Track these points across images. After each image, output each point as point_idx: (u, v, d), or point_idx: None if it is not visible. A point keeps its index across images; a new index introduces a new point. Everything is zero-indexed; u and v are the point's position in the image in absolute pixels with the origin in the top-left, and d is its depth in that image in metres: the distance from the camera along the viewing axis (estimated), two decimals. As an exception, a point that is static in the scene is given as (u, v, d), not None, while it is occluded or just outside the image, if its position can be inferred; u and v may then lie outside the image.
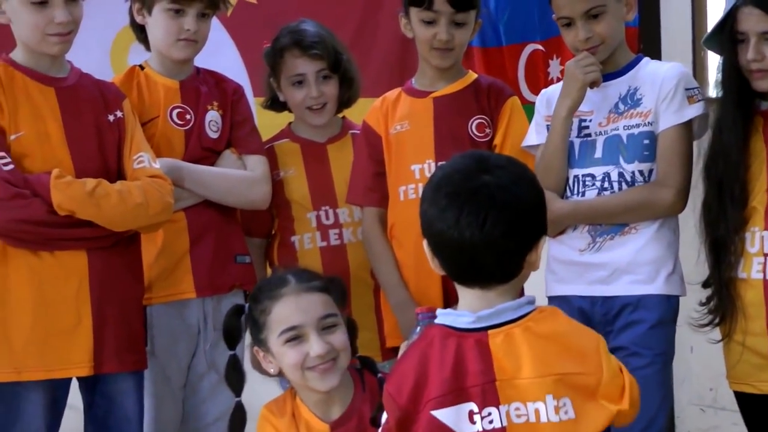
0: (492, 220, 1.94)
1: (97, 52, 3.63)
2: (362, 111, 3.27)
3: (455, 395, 1.95)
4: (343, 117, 3.32)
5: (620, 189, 2.79)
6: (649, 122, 2.79)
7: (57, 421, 2.78)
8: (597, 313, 2.80)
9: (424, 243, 2.04)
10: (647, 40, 4.14)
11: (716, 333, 2.72)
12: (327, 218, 3.17)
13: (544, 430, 1.94)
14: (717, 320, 2.68)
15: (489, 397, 1.94)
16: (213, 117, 3.06)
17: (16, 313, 2.68)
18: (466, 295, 2.03)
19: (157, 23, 3.01)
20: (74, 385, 2.81)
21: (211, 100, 3.07)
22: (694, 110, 2.78)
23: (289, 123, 3.30)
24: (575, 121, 2.85)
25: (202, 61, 3.14)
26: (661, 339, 2.77)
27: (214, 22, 3.16)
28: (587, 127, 2.85)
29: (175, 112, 3.02)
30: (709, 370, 3.91)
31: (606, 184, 2.80)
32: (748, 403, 2.71)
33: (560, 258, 2.85)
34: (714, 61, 4.09)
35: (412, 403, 1.96)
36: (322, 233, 3.16)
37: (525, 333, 1.97)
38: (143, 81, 3.05)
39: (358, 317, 2.85)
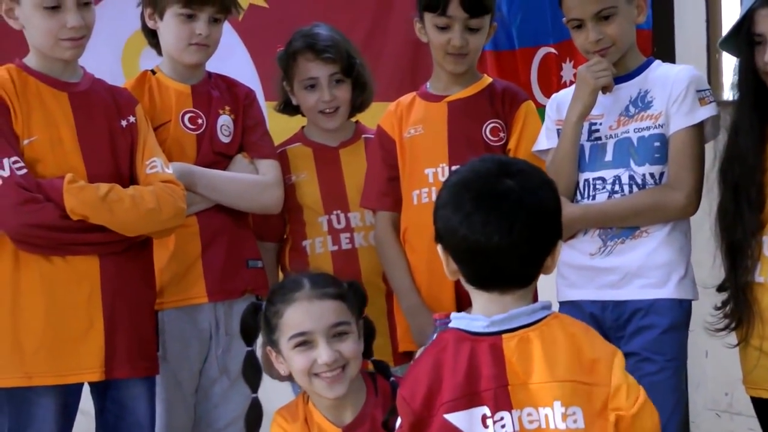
0: (519, 225, 1.95)
1: (109, 57, 3.62)
2: (374, 115, 3.27)
3: (468, 399, 1.95)
4: (356, 121, 3.31)
5: (631, 192, 2.78)
6: (659, 125, 2.78)
7: (69, 427, 2.78)
8: (608, 318, 2.78)
9: (439, 248, 2.04)
10: (661, 43, 4.14)
11: (732, 337, 2.69)
12: (338, 222, 3.16)
13: None
14: (733, 324, 2.66)
15: (501, 401, 1.94)
16: (225, 121, 3.05)
17: (28, 318, 2.68)
18: (480, 299, 2.03)
19: (169, 28, 3.00)
20: (86, 391, 2.80)
21: (223, 105, 3.06)
22: (705, 112, 2.76)
23: (302, 127, 3.30)
24: (585, 124, 2.84)
25: (213, 65, 3.13)
26: (673, 344, 2.75)
27: (226, 26, 3.15)
28: (597, 131, 2.84)
29: (186, 116, 3.02)
30: (725, 375, 3.89)
31: (617, 188, 2.79)
32: (764, 409, 2.69)
33: (571, 262, 2.83)
34: (729, 64, 4.09)
35: (426, 407, 1.96)
36: (334, 237, 3.15)
37: (539, 338, 1.97)
38: (155, 86, 3.05)
39: (371, 322, 2.84)
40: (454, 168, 2.23)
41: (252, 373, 2.56)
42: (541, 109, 3.19)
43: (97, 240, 2.70)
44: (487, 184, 1.99)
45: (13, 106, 2.71)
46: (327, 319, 2.41)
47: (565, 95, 2.94)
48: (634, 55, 2.87)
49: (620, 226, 2.77)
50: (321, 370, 2.40)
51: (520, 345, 1.97)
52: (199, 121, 3.02)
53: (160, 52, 3.10)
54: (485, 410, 1.94)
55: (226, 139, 3.05)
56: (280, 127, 3.33)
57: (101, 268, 2.71)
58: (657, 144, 2.78)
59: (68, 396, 2.73)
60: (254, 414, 2.53)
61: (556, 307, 2.64)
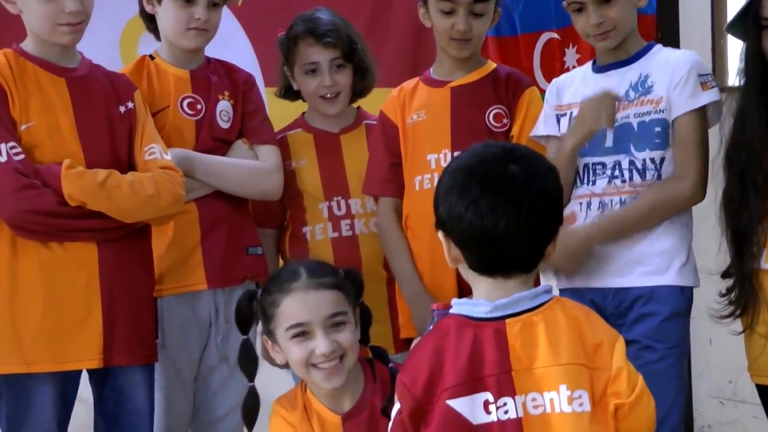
0: (526, 210, 1.94)
1: (107, 43, 3.62)
2: (376, 101, 3.24)
3: (471, 385, 1.94)
4: (358, 107, 3.29)
5: (631, 178, 2.76)
6: (660, 110, 2.76)
7: (67, 414, 2.77)
8: (609, 306, 2.77)
9: (440, 235, 2.03)
10: (665, 29, 4.13)
11: (737, 324, 2.68)
12: (339, 209, 3.15)
13: (559, 421, 1.92)
14: (738, 311, 2.65)
15: (504, 387, 1.93)
16: (224, 107, 3.03)
17: (26, 305, 2.67)
18: (482, 284, 2.02)
19: (167, 12, 2.98)
20: (85, 378, 2.79)
21: (222, 90, 3.04)
22: (708, 96, 2.74)
23: (303, 113, 3.28)
24: None
25: (212, 51, 3.11)
26: (674, 332, 2.73)
27: (225, 11, 3.14)
28: None
29: (185, 102, 3.00)
30: (729, 363, 3.87)
31: (617, 173, 2.77)
32: (770, 396, 2.67)
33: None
34: (733, 49, 4.08)
35: (427, 393, 1.95)
36: (334, 224, 3.14)
37: (542, 322, 1.97)
38: (153, 71, 3.02)
39: (371, 309, 2.82)
40: (457, 155, 2.22)
41: (248, 362, 2.54)
42: (544, 95, 3.17)
43: (95, 226, 2.68)
44: (493, 169, 1.98)
45: (11, 91, 2.69)
46: (324, 310, 2.40)
47: (565, 80, 2.93)
48: (634, 39, 2.85)
49: (640, 230, 2.73)
50: (318, 361, 2.38)
51: (523, 330, 1.97)
52: (198, 106, 3.00)
53: (158, 37, 3.08)
54: (488, 396, 1.94)
55: (225, 125, 3.03)
56: (279, 113, 3.30)
57: (99, 255, 2.70)
58: (658, 129, 2.76)
59: (67, 383, 2.73)
60: (251, 403, 2.51)
61: (556, 293, 2.63)
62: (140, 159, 2.79)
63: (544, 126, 2.92)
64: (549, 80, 3.96)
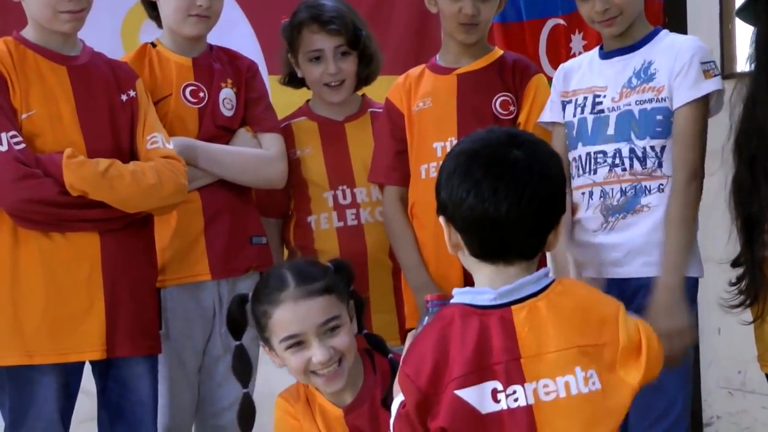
0: (529, 194, 1.94)
1: (108, 31, 3.61)
2: (380, 88, 3.22)
3: (478, 374, 1.92)
4: (363, 95, 3.27)
5: (631, 166, 2.72)
6: (662, 98, 2.72)
7: (70, 405, 2.76)
8: (611, 296, 2.72)
9: (441, 220, 2.02)
10: (673, 14, 4.10)
11: (747, 314, 2.65)
12: (344, 198, 3.13)
13: (574, 403, 1.92)
14: (749, 301, 2.61)
15: (513, 374, 1.92)
16: (227, 95, 3.01)
17: (28, 296, 2.65)
18: (484, 271, 2.01)
19: (169, -1, 2.96)
20: (88, 370, 2.78)
21: (225, 78, 3.02)
22: (710, 85, 2.70)
23: (307, 100, 3.26)
24: (589, 96, 2.79)
25: (215, 38, 3.09)
26: (679, 322, 2.70)
27: (228, -1, 3.12)
28: (600, 103, 2.78)
29: (188, 89, 2.97)
30: (737, 353, 3.87)
31: (617, 161, 2.73)
32: (780, 387, 2.64)
33: (574, 239, 2.79)
34: (742, 35, 4.04)
35: (432, 384, 1.93)
36: (339, 213, 3.12)
37: (548, 306, 1.96)
38: (155, 58, 3.00)
39: (376, 299, 2.82)
40: (462, 139, 2.21)
41: (242, 367, 2.52)
42: (551, 82, 3.14)
43: (97, 216, 2.66)
44: (497, 153, 1.97)
45: (11, 79, 2.67)
46: (316, 318, 2.37)
47: (572, 66, 2.89)
48: (641, 24, 2.81)
49: (692, 239, 2.71)
50: (317, 368, 2.37)
51: (530, 315, 1.96)
52: (201, 94, 2.98)
53: (160, 25, 3.05)
54: (496, 384, 1.92)
55: (228, 113, 3.01)
56: (283, 101, 3.28)
57: (101, 245, 2.68)
58: (659, 117, 2.72)
59: (69, 375, 2.71)
60: (247, 410, 2.49)
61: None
62: (142, 148, 2.77)
63: (549, 113, 2.89)
64: (555, 67, 3.91)
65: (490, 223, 1.94)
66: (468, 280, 2.68)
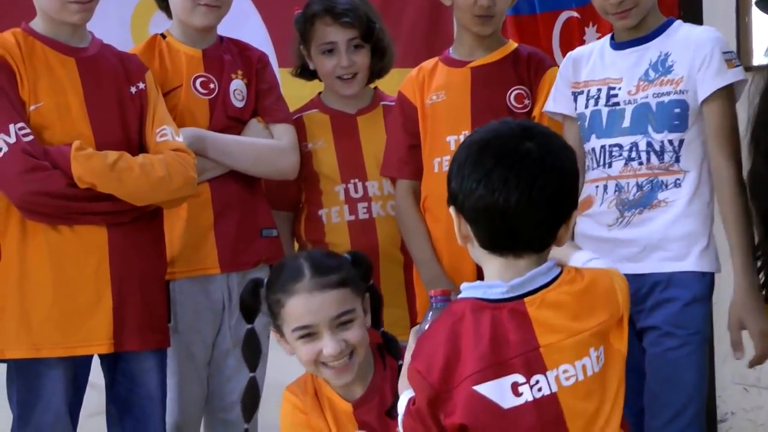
0: (539, 185, 1.93)
1: (117, 23, 3.59)
2: (392, 81, 3.21)
3: (495, 369, 1.91)
4: (375, 88, 3.25)
5: (648, 160, 2.69)
6: (680, 90, 2.68)
7: (78, 399, 2.75)
8: (627, 292, 2.71)
9: (452, 210, 2.01)
10: (688, 6, 4.07)
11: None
12: (356, 191, 3.11)
13: (589, 383, 1.94)
14: (765, 294, 2.58)
15: (534, 365, 1.92)
16: (238, 86, 2.99)
17: (36, 289, 2.64)
18: (493, 264, 2.00)
19: (179, -11, 2.95)
20: (96, 363, 2.77)
21: (236, 69, 3.00)
22: (735, 74, 2.67)
23: (319, 93, 3.24)
24: (604, 89, 2.76)
25: (225, 32, 3.08)
26: (695, 318, 2.68)
27: (239, -8, 3.10)
28: (616, 96, 2.75)
29: (198, 81, 2.96)
30: (753, 348, 3.82)
31: (633, 155, 2.70)
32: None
33: (589, 234, 2.76)
34: (759, 26, 4.00)
35: (444, 381, 1.92)
36: (351, 207, 3.10)
37: (561, 295, 1.96)
38: (165, 50, 2.98)
39: (388, 294, 2.79)
40: (475, 129, 2.19)
41: (251, 351, 2.51)
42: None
43: (105, 209, 2.65)
44: (508, 144, 1.97)
45: (19, 71, 2.65)
46: (330, 311, 2.36)
47: (581, 55, 2.85)
48: (654, 15, 2.78)
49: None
50: (327, 360, 2.36)
51: (543, 306, 1.95)
52: (211, 85, 2.96)
53: (170, 15, 3.04)
54: (516, 378, 1.92)
55: (239, 104, 2.99)
56: (293, 93, 3.26)
57: (110, 238, 2.67)
58: (677, 110, 2.69)
59: (77, 368, 2.71)
60: (251, 394, 2.49)
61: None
62: (151, 140, 2.76)
63: (554, 102, 2.86)
64: (569, 60, 3.92)
65: (500, 213, 1.93)
66: (481, 274, 2.67)
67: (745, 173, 2.64)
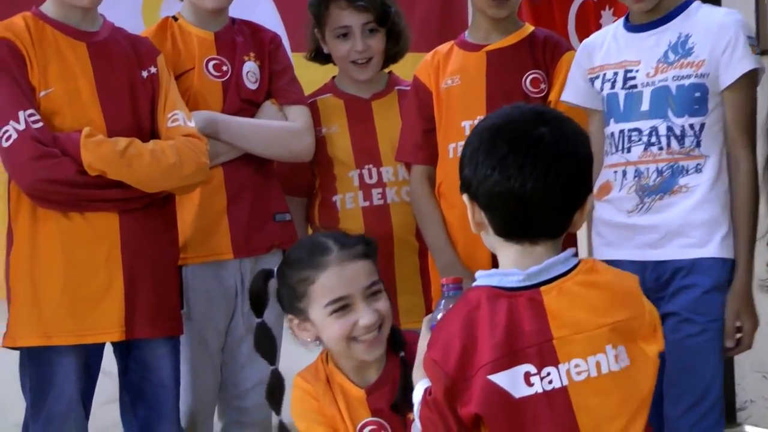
0: (554, 171, 1.91)
1: (129, 6, 3.56)
2: (406, 66, 3.18)
3: (510, 358, 1.89)
4: (390, 72, 3.23)
5: (668, 144, 2.65)
6: (701, 74, 2.63)
7: (91, 386, 2.74)
8: (648, 279, 2.66)
9: (465, 198, 1.99)
10: (707, -12, 4.01)
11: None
12: (370, 177, 3.09)
13: (606, 381, 1.90)
14: (782, 280, 2.56)
15: (547, 356, 1.90)
16: (251, 68, 2.97)
17: (47, 277, 2.63)
18: (509, 251, 1.98)
19: (189, -30, 2.93)
20: (109, 351, 2.75)
21: (248, 51, 2.98)
22: (756, 61, 2.62)
23: (333, 77, 3.22)
24: (621, 72, 2.71)
25: (236, 15, 3.04)
26: (715, 304, 2.64)
27: (251, -25, 3.08)
28: (633, 78, 2.70)
29: (210, 63, 2.93)
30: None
31: (653, 139, 2.66)
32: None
33: (608, 220, 2.73)
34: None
35: (461, 370, 1.90)
36: (365, 193, 3.08)
37: (578, 286, 1.94)
38: (177, 32, 2.96)
39: (402, 280, 2.77)
40: (488, 115, 2.17)
41: (267, 344, 2.46)
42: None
43: (116, 196, 2.63)
44: (522, 129, 1.95)
45: (29, 56, 2.63)
46: (362, 281, 2.34)
47: (595, 41, 2.81)
48: None
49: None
50: (360, 333, 2.33)
51: (560, 296, 1.93)
52: (224, 68, 2.94)
53: (181, -2, 3.03)
54: (528, 368, 1.90)
55: (252, 86, 2.97)
56: (306, 78, 3.22)
57: (121, 225, 2.65)
58: (697, 94, 2.64)
59: (89, 356, 2.70)
60: (276, 386, 2.45)
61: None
62: (163, 126, 2.74)
63: (576, 93, 2.81)
64: (585, 44, 3.88)
65: (515, 199, 1.92)
66: (496, 262, 2.64)
67: (759, 160, 2.61)
